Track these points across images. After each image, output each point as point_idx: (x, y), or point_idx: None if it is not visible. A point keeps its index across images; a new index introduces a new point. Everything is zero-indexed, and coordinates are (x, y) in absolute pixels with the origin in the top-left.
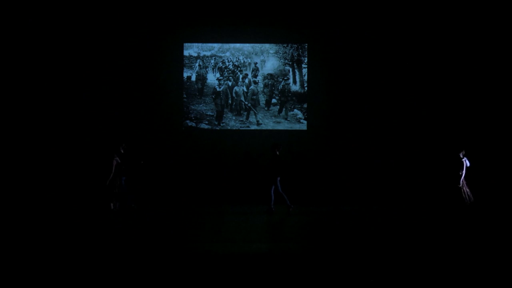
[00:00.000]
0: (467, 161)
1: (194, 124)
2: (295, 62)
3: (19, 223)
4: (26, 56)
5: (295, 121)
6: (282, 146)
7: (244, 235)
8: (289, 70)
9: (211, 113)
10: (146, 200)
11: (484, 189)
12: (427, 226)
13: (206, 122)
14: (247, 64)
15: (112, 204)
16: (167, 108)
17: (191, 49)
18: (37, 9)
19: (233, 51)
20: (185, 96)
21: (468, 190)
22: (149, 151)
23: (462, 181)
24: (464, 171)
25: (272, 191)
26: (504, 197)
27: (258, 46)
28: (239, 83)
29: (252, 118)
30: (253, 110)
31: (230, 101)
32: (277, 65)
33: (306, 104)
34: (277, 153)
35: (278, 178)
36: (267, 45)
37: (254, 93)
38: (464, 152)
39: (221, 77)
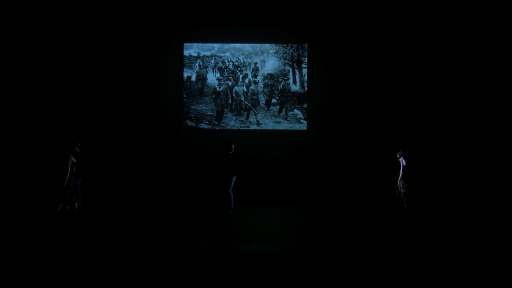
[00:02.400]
0: (403, 161)
1: (194, 124)
2: (295, 62)
3: None
4: (25, 56)
5: (295, 121)
6: (236, 145)
7: (244, 235)
8: (289, 70)
9: (211, 113)
10: (145, 200)
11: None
12: (426, 226)
13: (206, 122)
14: (247, 64)
15: (61, 205)
16: (167, 108)
17: (191, 49)
18: (37, 9)
19: (233, 51)
20: (185, 96)
21: (403, 190)
22: (149, 151)
23: (399, 180)
24: (401, 171)
25: (230, 191)
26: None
27: (258, 46)
28: (239, 83)
29: (252, 118)
30: (253, 110)
31: (230, 101)
32: (277, 65)
33: (306, 104)
34: (230, 153)
35: (234, 178)
36: (267, 45)
37: (254, 93)
38: (401, 152)
39: (221, 77)
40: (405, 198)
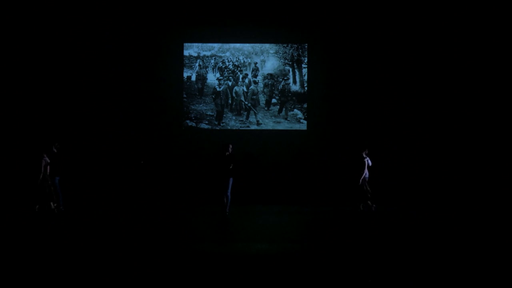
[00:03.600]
0: (369, 161)
1: (194, 124)
2: (295, 62)
3: None
4: (25, 56)
5: (295, 121)
6: (233, 145)
7: (244, 235)
8: (289, 70)
9: (211, 113)
10: (145, 200)
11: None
12: (426, 226)
13: (206, 122)
14: (247, 64)
15: (52, 204)
16: (167, 108)
17: (191, 49)
18: (37, 8)
19: (233, 51)
20: (185, 96)
21: (368, 188)
22: (149, 151)
23: (362, 179)
24: (366, 170)
25: (229, 193)
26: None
27: (258, 46)
28: (239, 83)
29: (252, 118)
30: (253, 110)
31: (230, 101)
32: (277, 65)
33: (306, 104)
34: (226, 153)
35: (231, 180)
36: (267, 45)
37: (254, 93)
38: (367, 152)
39: (221, 77)
40: (370, 197)
